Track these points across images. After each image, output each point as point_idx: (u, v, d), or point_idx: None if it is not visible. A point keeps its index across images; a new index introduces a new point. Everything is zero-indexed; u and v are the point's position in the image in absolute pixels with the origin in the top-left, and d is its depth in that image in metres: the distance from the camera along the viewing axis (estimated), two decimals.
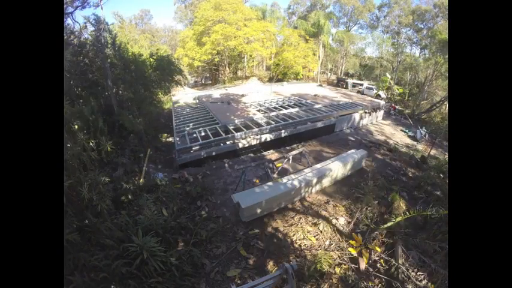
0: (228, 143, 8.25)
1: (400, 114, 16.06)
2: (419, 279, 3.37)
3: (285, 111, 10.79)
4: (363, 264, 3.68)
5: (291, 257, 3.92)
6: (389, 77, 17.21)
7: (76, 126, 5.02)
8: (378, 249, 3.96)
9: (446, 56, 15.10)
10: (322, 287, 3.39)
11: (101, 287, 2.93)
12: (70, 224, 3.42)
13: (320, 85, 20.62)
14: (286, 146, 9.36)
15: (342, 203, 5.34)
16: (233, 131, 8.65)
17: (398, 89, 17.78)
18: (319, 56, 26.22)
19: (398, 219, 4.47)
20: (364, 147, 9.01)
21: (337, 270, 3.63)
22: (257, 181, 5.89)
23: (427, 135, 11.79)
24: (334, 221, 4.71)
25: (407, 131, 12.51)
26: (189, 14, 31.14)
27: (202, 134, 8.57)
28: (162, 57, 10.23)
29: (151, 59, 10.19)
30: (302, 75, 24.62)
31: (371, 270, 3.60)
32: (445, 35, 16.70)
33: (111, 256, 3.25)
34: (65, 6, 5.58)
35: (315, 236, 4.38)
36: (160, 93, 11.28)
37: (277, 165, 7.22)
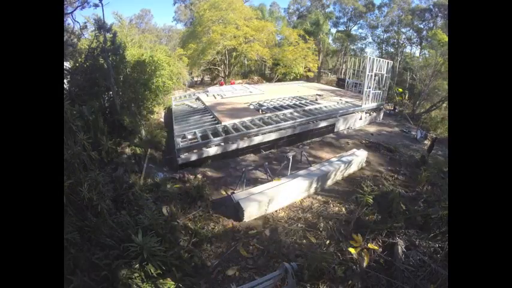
0: (228, 143, 8.25)
1: (400, 115, 16.06)
2: (419, 279, 3.37)
3: (285, 111, 10.78)
4: (363, 264, 3.68)
5: (291, 257, 3.92)
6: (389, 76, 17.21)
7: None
8: (377, 249, 3.96)
9: (446, 57, 15.09)
10: (322, 287, 3.39)
11: (101, 286, 2.93)
12: (70, 223, 3.42)
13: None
14: (286, 146, 9.37)
15: (342, 203, 5.34)
16: (233, 131, 8.65)
17: (398, 89, 17.78)
18: (319, 56, 26.24)
19: (399, 219, 4.47)
20: (364, 147, 9.01)
21: (337, 270, 3.63)
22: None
23: (427, 136, 11.80)
24: (334, 221, 4.71)
25: (407, 131, 12.51)
26: (189, 13, 31.15)
27: (202, 134, 8.57)
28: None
29: (151, 59, 10.18)
30: (302, 75, 24.62)
31: (371, 270, 3.60)
32: (444, 35, 16.71)
33: (112, 256, 3.25)
34: (64, 6, 5.58)
35: (315, 236, 4.38)
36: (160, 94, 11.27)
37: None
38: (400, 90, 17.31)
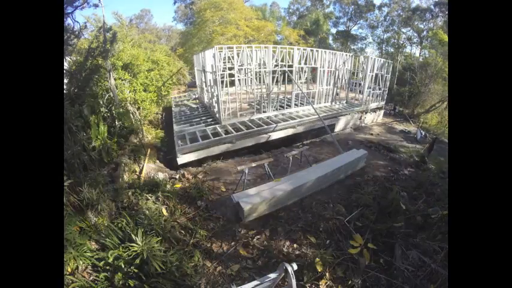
0: (228, 143, 8.25)
1: (400, 115, 16.07)
2: (419, 279, 3.37)
3: (285, 111, 10.79)
4: (363, 264, 3.68)
5: (291, 257, 3.92)
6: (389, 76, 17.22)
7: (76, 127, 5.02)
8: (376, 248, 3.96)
9: (446, 57, 15.10)
10: (322, 287, 3.39)
11: (100, 286, 2.93)
12: (70, 223, 3.42)
13: None
14: (286, 146, 9.37)
15: (342, 203, 5.33)
16: (233, 131, 8.65)
17: (398, 89, 17.81)
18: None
19: (399, 219, 4.47)
20: (364, 147, 9.02)
21: (337, 270, 3.63)
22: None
23: (427, 136, 11.81)
24: (334, 220, 4.71)
25: (407, 131, 12.53)
26: (189, 13, 31.13)
27: (202, 134, 8.58)
28: None
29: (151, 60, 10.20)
30: None
31: (371, 270, 3.60)
32: (445, 35, 16.72)
33: (112, 256, 3.25)
34: (64, 6, 5.57)
35: (314, 236, 4.38)
36: (160, 93, 11.28)
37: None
38: (401, 90, 17.30)
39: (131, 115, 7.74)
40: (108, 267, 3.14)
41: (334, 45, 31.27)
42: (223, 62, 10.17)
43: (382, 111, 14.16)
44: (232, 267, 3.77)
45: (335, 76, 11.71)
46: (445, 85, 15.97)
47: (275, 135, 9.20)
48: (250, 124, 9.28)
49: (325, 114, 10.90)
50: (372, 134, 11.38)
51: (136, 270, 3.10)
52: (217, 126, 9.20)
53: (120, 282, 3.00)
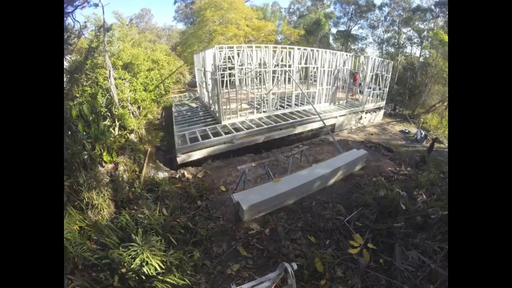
0: (228, 142, 8.25)
1: (400, 115, 16.06)
2: (419, 279, 3.37)
3: (285, 111, 10.78)
4: (363, 264, 3.68)
5: (291, 257, 3.92)
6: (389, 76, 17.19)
7: (80, 126, 5.02)
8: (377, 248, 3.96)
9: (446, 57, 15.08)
10: (322, 287, 3.39)
11: (101, 286, 2.93)
12: (70, 223, 3.42)
13: None
14: (286, 146, 9.37)
15: (342, 203, 5.34)
16: (233, 131, 8.65)
17: (398, 89, 17.79)
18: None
19: (399, 219, 4.47)
20: (364, 147, 9.02)
21: (337, 270, 3.63)
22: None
23: (427, 136, 11.81)
24: (333, 220, 4.71)
25: (407, 131, 12.52)
26: (189, 13, 31.08)
27: (202, 133, 8.57)
28: None
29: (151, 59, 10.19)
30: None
31: (371, 270, 3.60)
32: (445, 35, 16.69)
33: (111, 255, 3.25)
34: (65, 5, 5.57)
35: (314, 236, 4.38)
36: (160, 92, 11.28)
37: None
38: (401, 90, 17.31)
39: (131, 115, 7.75)
40: (107, 267, 3.14)
41: (334, 45, 31.24)
42: (224, 62, 10.16)
43: (382, 111, 14.15)
44: (232, 266, 3.77)
45: (335, 76, 11.70)
46: (446, 85, 15.93)
47: (275, 135, 9.20)
48: (250, 124, 9.27)
49: (325, 114, 10.89)
50: (371, 134, 11.38)
51: (136, 270, 3.11)
52: (217, 125, 9.19)
53: (120, 282, 3.00)
